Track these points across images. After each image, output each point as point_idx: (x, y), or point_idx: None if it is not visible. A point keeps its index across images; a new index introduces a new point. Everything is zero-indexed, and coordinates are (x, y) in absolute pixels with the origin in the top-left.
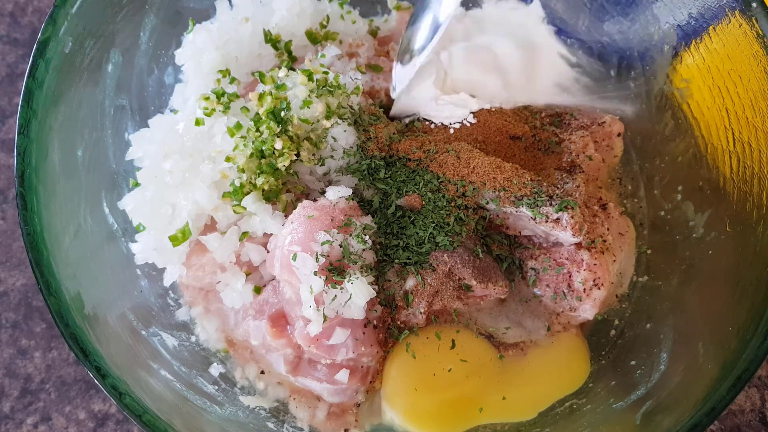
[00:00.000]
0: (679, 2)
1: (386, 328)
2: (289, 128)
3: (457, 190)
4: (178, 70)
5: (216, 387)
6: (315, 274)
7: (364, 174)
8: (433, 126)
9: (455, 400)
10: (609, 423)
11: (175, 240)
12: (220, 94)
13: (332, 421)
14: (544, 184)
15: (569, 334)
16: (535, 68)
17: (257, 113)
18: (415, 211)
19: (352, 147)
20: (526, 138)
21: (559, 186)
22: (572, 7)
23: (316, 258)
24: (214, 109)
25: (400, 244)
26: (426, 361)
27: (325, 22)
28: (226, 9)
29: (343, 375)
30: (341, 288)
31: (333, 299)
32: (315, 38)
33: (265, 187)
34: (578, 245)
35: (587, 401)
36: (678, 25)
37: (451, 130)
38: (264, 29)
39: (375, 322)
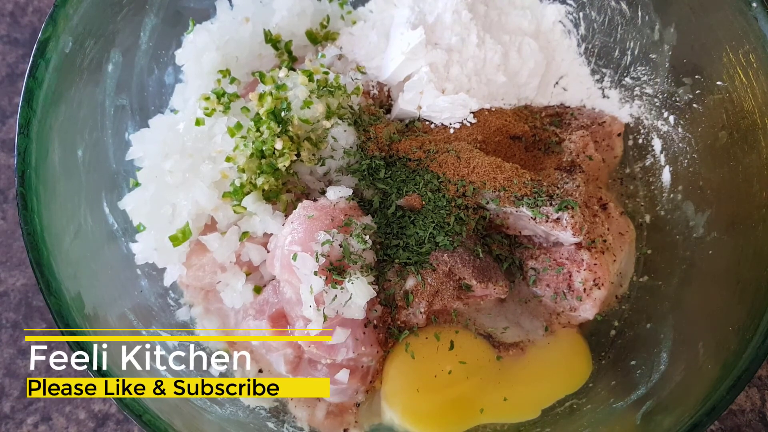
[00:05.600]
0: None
1: (386, 328)
2: (290, 128)
3: (457, 190)
4: (178, 70)
5: None
6: (315, 274)
7: (364, 174)
8: (433, 126)
9: (455, 400)
10: (609, 423)
11: (175, 240)
12: (220, 94)
13: (332, 420)
14: (544, 184)
15: (570, 333)
16: (537, 67)
17: (257, 113)
18: (415, 211)
19: (352, 147)
20: (526, 138)
21: (559, 186)
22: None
23: (316, 258)
24: (214, 109)
25: (400, 244)
26: (426, 361)
27: (325, 22)
28: (227, 9)
29: (343, 375)
30: (341, 288)
31: (333, 299)
32: (315, 38)
33: (265, 187)
34: (578, 245)
35: (587, 401)
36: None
37: (451, 130)
38: (264, 29)
39: (375, 322)
